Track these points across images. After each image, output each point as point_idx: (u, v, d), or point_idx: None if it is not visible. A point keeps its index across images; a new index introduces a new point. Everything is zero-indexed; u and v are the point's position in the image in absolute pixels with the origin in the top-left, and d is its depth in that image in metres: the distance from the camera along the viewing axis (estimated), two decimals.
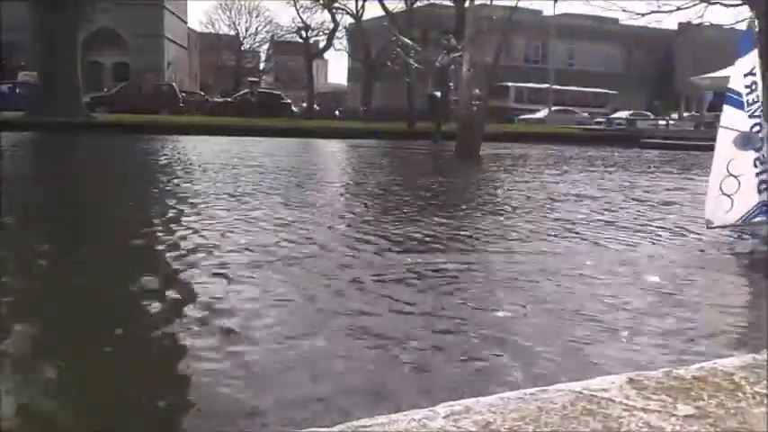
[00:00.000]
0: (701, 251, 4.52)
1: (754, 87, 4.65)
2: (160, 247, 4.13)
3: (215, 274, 3.35)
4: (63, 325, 2.69)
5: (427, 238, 4.49)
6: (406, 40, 24.48)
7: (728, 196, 4.64)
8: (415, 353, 2.36)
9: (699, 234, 4.99)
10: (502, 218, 5.63)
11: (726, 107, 4.76)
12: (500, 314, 2.85)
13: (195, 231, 4.52)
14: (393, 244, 4.26)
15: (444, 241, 4.44)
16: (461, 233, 4.80)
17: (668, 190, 8.41)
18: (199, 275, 3.36)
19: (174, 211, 5.47)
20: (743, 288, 3.70)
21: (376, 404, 1.94)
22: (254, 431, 1.83)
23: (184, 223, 4.90)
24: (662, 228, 5.33)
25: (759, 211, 4.70)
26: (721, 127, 4.73)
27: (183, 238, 4.36)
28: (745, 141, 4.59)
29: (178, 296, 3.04)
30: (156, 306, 2.86)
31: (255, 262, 3.65)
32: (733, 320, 2.91)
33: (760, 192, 4.64)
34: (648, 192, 8.04)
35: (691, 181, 9.75)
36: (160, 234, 4.59)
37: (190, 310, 2.78)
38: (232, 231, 4.55)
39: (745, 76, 4.67)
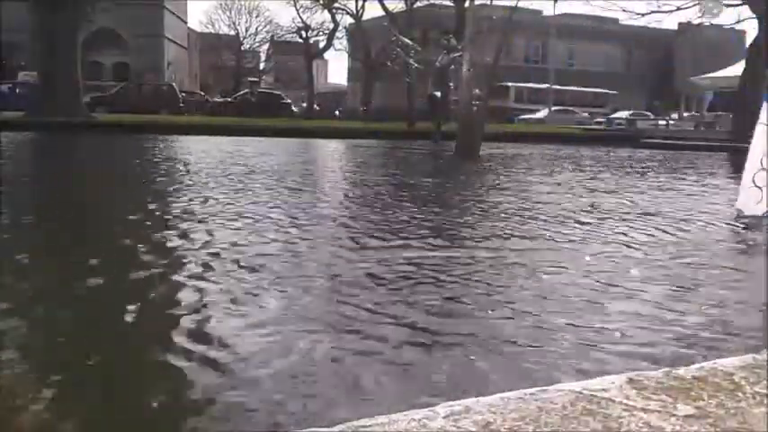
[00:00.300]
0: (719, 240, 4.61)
1: None
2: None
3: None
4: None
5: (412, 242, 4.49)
6: (406, 40, 24.51)
7: (760, 189, 5.01)
8: None
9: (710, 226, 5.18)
10: (502, 220, 5.63)
11: (765, 104, 5.10)
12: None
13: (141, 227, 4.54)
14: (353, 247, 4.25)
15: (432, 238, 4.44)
16: (450, 228, 4.81)
17: (662, 189, 8.43)
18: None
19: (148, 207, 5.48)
20: None
21: None
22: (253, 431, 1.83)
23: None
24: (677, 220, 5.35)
25: None
26: (759, 123, 5.11)
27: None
28: None
29: None
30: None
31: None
32: None
33: None
34: (648, 191, 8.05)
35: (682, 181, 9.77)
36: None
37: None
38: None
39: None
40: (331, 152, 16.02)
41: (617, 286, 3.27)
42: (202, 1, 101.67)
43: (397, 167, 11.78)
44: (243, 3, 57.38)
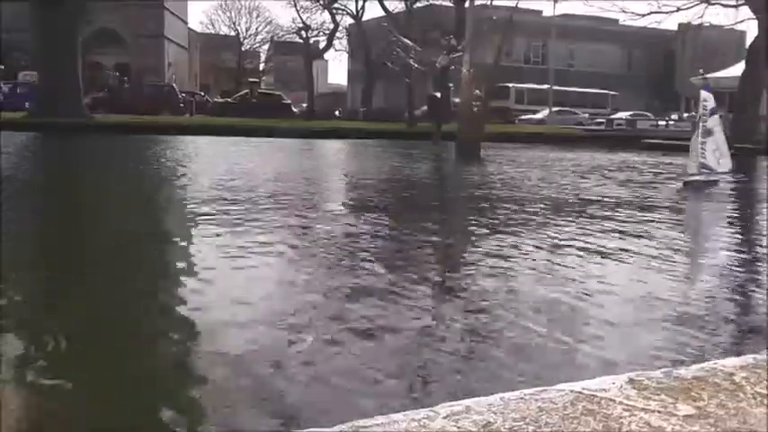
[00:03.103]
0: None
1: None
2: None
3: None
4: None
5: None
6: (406, 41, 24.48)
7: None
8: None
9: None
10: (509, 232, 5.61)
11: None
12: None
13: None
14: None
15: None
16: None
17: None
18: None
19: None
20: None
21: None
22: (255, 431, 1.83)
23: None
24: None
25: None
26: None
27: None
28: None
29: None
30: None
31: None
32: None
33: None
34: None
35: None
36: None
37: None
38: None
39: None
40: (329, 153, 15.99)
41: None
42: (202, 1, 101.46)
43: (393, 169, 11.76)
44: (243, 3, 57.34)
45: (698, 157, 9.22)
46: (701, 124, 9.35)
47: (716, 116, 9.50)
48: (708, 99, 9.49)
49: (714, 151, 9.30)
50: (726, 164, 9.49)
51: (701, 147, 9.24)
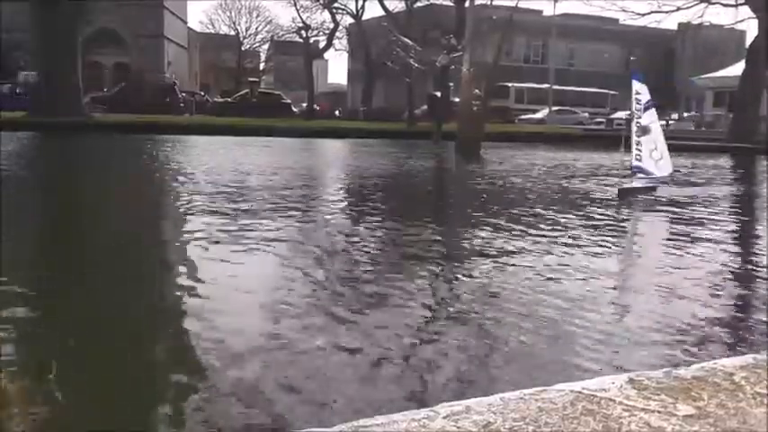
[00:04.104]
0: None
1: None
2: None
3: None
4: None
5: None
6: (406, 40, 24.46)
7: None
8: None
9: None
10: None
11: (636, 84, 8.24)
12: None
13: None
14: None
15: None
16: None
17: None
18: None
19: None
20: None
21: None
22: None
23: None
24: None
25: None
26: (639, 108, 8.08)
27: None
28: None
29: None
30: None
31: None
32: None
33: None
34: None
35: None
36: None
37: None
38: None
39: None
40: (327, 153, 15.98)
41: None
42: (202, 1, 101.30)
43: (393, 168, 11.75)
44: (243, 2, 57.31)
45: (632, 159, 8.00)
46: (635, 121, 8.02)
47: (652, 110, 8.17)
48: (641, 91, 8.13)
49: (651, 152, 8.04)
50: (666, 167, 8.21)
51: (636, 147, 7.95)
